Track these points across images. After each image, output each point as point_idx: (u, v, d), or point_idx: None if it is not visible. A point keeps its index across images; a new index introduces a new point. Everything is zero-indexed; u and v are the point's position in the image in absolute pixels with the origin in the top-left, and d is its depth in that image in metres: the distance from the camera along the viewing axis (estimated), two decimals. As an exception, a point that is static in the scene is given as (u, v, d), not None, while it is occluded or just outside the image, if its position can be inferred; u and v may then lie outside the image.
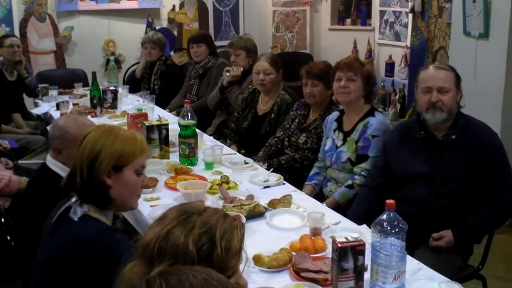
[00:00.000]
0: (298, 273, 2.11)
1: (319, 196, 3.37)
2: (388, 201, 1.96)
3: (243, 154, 3.87)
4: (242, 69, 4.69)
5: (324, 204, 3.06)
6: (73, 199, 1.95)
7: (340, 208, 3.11)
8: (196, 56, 5.32)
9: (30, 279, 2.01)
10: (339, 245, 1.94)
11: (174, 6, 7.34)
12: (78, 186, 1.92)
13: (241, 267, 1.41)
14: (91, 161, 1.90)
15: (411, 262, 2.22)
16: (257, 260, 2.18)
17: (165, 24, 7.39)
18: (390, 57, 6.78)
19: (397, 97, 6.37)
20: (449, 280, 2.11)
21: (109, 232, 1.94)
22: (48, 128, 2.69)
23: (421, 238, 2.73)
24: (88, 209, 1.93)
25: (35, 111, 5.16)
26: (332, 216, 2.68)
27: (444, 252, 2.69)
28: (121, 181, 1.97)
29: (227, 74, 4.68)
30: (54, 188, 2.06)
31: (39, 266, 1.97)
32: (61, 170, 2.52)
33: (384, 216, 1.96)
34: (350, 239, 1.98)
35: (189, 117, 3.39)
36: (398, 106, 6.28)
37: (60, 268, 1.85)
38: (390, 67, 6.80)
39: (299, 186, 3.39)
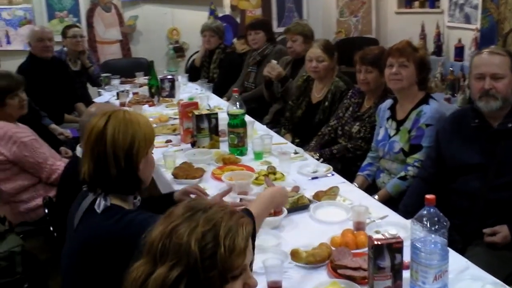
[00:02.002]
0: (335, 270, 2.03)
1: (372, 187, 3.27)
2: (427, 196, 1.85)
3: (297, 144, 3.80)
4: (278, 66, 4.62)
5: (376, 197, 2.96)
6: (97, 192, 1.94)
7: (393, 200, 2.99)
8: (254, 43, 5.28)
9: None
10: (375, 242, 1.84)
11: (236, -8, 7.32)
12: (112, 177, 1.89)
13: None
14: (127, 150, 1.90)
15: (459, 260, 2.11)
16: (295, 255, 2.12)
17: (228, 11, 7.38)
18: (460, 40, 6.49)
19: (466, 82, 6.10)
20: (498, 281, 1.97)
21: (136, 216, 1.92)
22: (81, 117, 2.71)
23: (475, 233, 2.58)
24: (111, 199, 1.93)
25: (98, 100, 5.25)
26: (379, 210, 2.58)
27: (500, 249, 2.53)
28: (147, 162, 2.00)
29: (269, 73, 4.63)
30: None
31: (65, 259, 1.98)
32: None
33: (424, 212, 1.84)
34: (388, 235, 1.88)
35: (238, 106, 3.34)
36: (468, 91, 6.01)
37: (89, 260, 1.85)
38: (459, 51, 6.51)
39: (352, 176, 3.30)
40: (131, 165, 1.91)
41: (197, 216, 1.28)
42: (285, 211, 2.45)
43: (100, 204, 1.89)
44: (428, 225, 1.82)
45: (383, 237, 1.87)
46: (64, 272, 1.99)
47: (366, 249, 2.15)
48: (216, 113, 3.49)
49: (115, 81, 5.57)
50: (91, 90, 5.96)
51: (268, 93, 4.81)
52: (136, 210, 2.00)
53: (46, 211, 2.58)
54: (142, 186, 2.02)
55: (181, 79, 5.47)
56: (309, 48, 4.43)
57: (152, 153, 2.06)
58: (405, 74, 3.08)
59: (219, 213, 1.29)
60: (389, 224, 2.39)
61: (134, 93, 5.04)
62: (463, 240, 2.60)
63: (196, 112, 3.46)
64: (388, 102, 3.31)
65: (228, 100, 5.10)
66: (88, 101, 5.67)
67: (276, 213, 2.44)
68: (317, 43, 4.16)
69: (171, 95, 4.87)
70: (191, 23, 7.15)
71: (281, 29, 6.69)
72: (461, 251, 2.41)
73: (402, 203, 2.89)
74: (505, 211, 2.57)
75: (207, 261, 1.23)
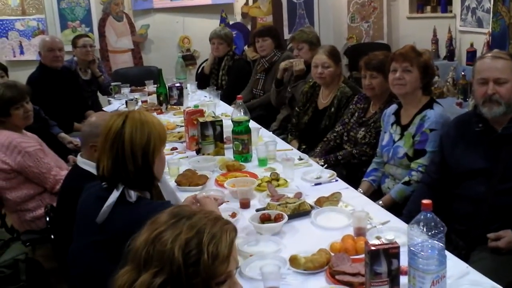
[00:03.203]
0: (333, 276, 2.02)
1: (377, 193, 3.25)
2: (424, 201, 1.82)
3: (304, 150, 3.79)
4: (303, 61, 4.61)
5: (381, 202, 2.94)
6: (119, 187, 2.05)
7: (397, 206, 2.97)
8: (261, 50, 5.28)
9: (72, 269, 2.13)
10: (371, 248, 1.83)
11: (247, 0, 7.32)
12: (130, 173, 2.03)
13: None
14: (144, 148, 2.04)
15: (459, 266, 2.08)
16: (293, 261, 2.10)
17: (238, 18, 7.40)
18: (472, 44, 6.44)
19: (478, 87, 6.05)
20: (497, 286, 1.94)
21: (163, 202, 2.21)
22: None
23: (479, 239, 2.55)
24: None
25: (107, 109, 5.28)
26: (381, 215, 2.56)
27: (504, 254, 2.49)
28: (161, 160, 2.17)
29: (291, 67, 4.62)
30: None
31: (87, 252, 2.06)
32: (93, 168, 2.54)
33: (421, 217, 1.82)
34: (384, 241, 1.86)
35: (242, 112, 3.34)
36: (478, 96, 5.96)
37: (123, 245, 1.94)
38: (471, 55, 6.45)
39: (358, 182, 3.28)
40: (148, 162, 2.06)
41: (181, 223, 1.28)
42: (286, 217, 2.44)
43: (132, 195, 2.03)
44: (425, 230, 1.80)
45: (380, 243, 1.85)
46: (85, 266, 2.07)
47: (365, 255, 2.15)
48: (221, 120, 3.48)
49: (125, 90, 5.60)
50: (101, 98, 6.00)
51: (276, 93, 4.79)
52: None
53: (48, 219, 2.58)
54: (156, 182, 2.18)
55: (190, 87, 5.49)
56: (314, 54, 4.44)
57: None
58: (408, 79, 3.06)
59: (203, 220, 1.29)
60: (391, 229, 2.36)
61: (143, 101, 5.06)
62: (467, 245, 2.57)
63: (201, 120, 3.47)
64: (393, 107, 3.29)
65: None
66: (99, 110, 5.70)
67: (277, 219, 2.43)
68: (322, 49, 4.15)
69: (179, 102, 4.88)
70: (202, 31, 7.14)
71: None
72: (465, 257, 2.38)
73: (406, 208, 2.86)
74: (509, 216, 2.53)
75: (190, 268, 1.23)
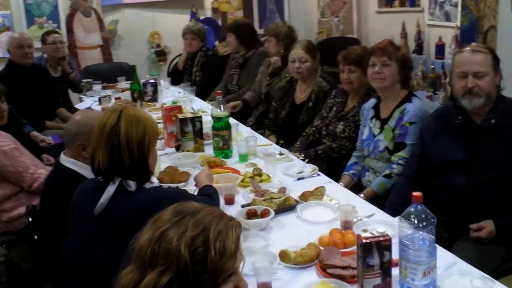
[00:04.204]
0: (324, 269, 2.03)
1: (358, 186, 3.28)
2: (414, 193, 1.86)
3: (282, 145, 3.80)
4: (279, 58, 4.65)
5: (362, 195, 2.97)
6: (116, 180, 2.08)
7: (379, 198, 3.00)
8: (228, 46, 5.30)
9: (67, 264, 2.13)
10: (363, 241, 1.84)
11: (217, -5, 7.31)
12: (127, 166, 2.06)
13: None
14: (139, 142, 2.08)
15: (446, 256, 2.12)
16: (283, 256, 2.11)
17: (209, 13, 7.37)
18: (440, 38, 6.54)
19: (447, 79, 6.14)
20: (485, 275, 1.97)
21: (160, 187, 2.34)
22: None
23: (461, 229, 2.60)
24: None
25: (79, 106, 5.20)
26: (366, 208, 2.58)
27: (486, 243, 2.55)
28: (153, 155, 2.21)
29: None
30: (73, 185, 2.23)
31: (92, 242, 2.08)
32: (79, 167, 2.53)
33: (412, 209, 1.85)
34: (376, 233, 1.88)
35: (222, 108, 3.33)
36: (449, 89, 6.05)
37: (127, 231, 1.95)
38: (440, 49, 6.56)
39: (338, 176, 3.31)
40: (143, 155, 2.11)
41: (186, 220, 1.28)
42: (273, 212, 2.45)
43: (131, 185, 2.08)
44: (416, 222, 1.83)
45: (372, 235, 1.87)
46: (85, 255, 2.08)
47: (355, 247, 2.15)
48: (200, 117, 3.47)
49: (97, 87, 5.54)
50: (73, 96, 5.91)
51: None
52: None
53: (30, 219, 2.54)
54: (150, 176, 2.20)
55: (164, 83, 5.45)
56: (284, 49, 4.49)
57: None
58: (387, 73, 3.10)
59: (208, 217, 1.29)
60: (376, 222, 2.39)
61: (116, 98, 5.00)
62: (450, 236, 2.62)
63: (180, 116, 3.45)
64: (372, 101, 3.32)
65: (211, 102, 5.11)
66: (70, 107, 5.63)
67: (264, 214, 2.44)
68: (299, 43, 4.16)
69: (154, 99, 4.84)
70: (173, 27, 7.12)
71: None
72: (448, 247, 2.42)
73: (389, 201, 2.90)
74: (490, 206, 2.59)
75: (197, 265, 1.22)
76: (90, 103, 5.12)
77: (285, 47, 4.68)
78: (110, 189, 2.06)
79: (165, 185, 2.76)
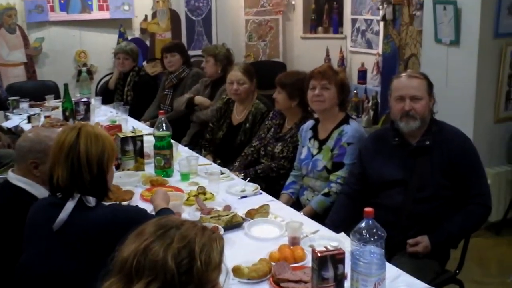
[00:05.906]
0: (278, 284, 2.10)
1: (296, 205, 3.37)
2: (366, 209, 1.96)
3: (219, 164, 3.86)
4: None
5: (301, 213, 3.06)
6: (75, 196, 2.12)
7: (318, 216, 3.10)
8: (170, 66, 5.31)
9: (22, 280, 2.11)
10: (319, 254, 1.93)
11: (146, 16, 7.29)
12: (86, 182, 2.11)
13: (221, 279, 1.40)
14: (98, 159, 2.14)
15: (391, 269, 2.23)
16: (237, 271, 2.16)
17: (137, 34, 7.33)
18: (363, 64, 6.84)
19: (370, 104, 6.43)
20: (428, 286, 2.11)
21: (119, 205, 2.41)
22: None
23: (399, 245, 2.74)
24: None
25: (7, 124, 5.06)
26: (310, 225, 2.68)
27: (421, 257, 2.71)
28: (110, 173, 2.26)
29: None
30: (23, 203, 2.27)
31: (50, 257, 2.08)
32: (29, 185, 2.47)
33: (363, 224, 1.95)
34: (330, 248, 1.97)
35: (164, 128, 3.36)
36: (371, 113, 6.34)
37: (88, 246, 2.05)
38: (362, 75, 6.85)
39: (276, 195, 3.38)
40: (102, 172, 2.16)
41: (171, 233, 1.32)
42: (222, 230, 2.50)
43: (91, 201, 2.13)
44: (368, 236, 1.94)
45: (326, 249, 1.96)
46: (44, 270, 2.08)
47: (304, 262, 2.26)
48: (142, 136, 3.49)
49: (24, 105, 5.39)
50: (-2, 114, 5.73)
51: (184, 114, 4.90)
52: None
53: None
54: (108, 192, 2.28)
55: (95, 102, 5.38)
56: (221, 70, 4.59)
57: None
58: (327, 96, 3.24)
59: (193, 230, 1.33)
60: (321, 238, 2.49)
61: (46, 117, 4.89)
62: (388, 251, 2.74)
63: (121, 135, 3.45)
64: (310, 123, 3.45)
65: (145, 122, 5.11)
66: (-5, 125, 5.46)
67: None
68: (237, 66, 4.26)
69: (87, 118, 4.77)
70: (100, 46, 7.06)
71: (192, 52, 6.76)
72: (387, 261, 2.55)
73: (329, 218, 3.00)
74: (425, 222, 2.75)
75: (183, 276, 1.26)
76: (18, 121, 4.98)
77: (222, 67, 4.77)
78: (70, 205, 2.09)
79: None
